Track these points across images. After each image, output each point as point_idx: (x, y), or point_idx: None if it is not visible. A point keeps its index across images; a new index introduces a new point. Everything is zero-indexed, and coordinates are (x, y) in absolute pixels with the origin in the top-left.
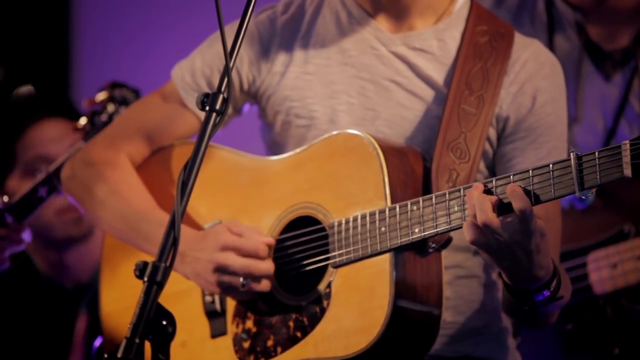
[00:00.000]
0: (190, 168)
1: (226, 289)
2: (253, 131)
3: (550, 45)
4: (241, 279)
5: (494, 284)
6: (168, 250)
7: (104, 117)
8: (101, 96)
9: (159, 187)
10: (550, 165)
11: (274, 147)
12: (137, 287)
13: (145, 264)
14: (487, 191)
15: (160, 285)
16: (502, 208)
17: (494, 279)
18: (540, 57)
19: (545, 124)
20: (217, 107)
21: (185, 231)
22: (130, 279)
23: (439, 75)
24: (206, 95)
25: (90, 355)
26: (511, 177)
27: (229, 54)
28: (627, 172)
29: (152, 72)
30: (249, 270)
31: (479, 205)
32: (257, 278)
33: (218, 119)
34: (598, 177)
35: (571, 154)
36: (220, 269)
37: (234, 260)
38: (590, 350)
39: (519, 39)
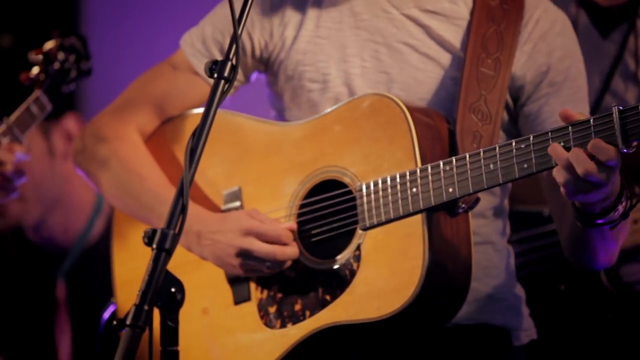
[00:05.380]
0: (199, 135)
1: (249, 272)
2: (260, 100)
3: None
4: (267, 263)
5: (507, 249)
6: (177, 218)
7: (56, 66)
8: (50, 44)
9: (168, 159)
10: (591, 120)
11: (285, 114)
12: (148, 259)
13: (154, 231)
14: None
15: (169, 253)
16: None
17: (507, 245)
18: (551, 15)
19: (566, 77)
20: (226, 74)
21: (201, 211)
22: (141, 250)
23: (452, 36)
24: (214, 62)
25: (100, 324)
26: (549, 133)
27: (237, 21)
28: None
29: (165, 40)
30: (274, 256)
31: (575, 158)
32: (282, 262)
33: (226, 86)
34: None
35: (614, 107)
36: (244, 254)
37: (258, 246)
38: (583, 314)
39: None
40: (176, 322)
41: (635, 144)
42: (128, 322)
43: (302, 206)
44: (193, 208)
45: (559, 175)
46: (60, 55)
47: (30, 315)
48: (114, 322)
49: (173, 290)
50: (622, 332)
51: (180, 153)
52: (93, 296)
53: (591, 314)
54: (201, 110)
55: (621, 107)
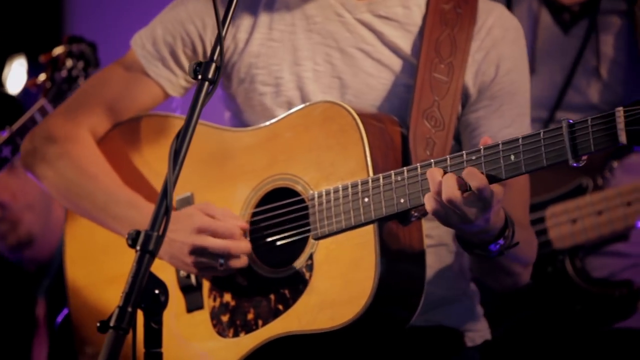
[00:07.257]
0: (183, 137)
1: (203, 269)
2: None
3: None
4: (220, 259)
5: (462, 251)
6: (160, 219)
7: (63, 73)
8: (58, 50)
9: (122, 162)
10: (541, 133)
11: (240, 116)
12: (104, 263)
13: (138, 232)
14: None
15: (152, 254)
16: (465, 185)
17: None
18: (505, 23)
19: (508, 92)
20: (210, 75)
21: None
22: (96, 254)
23: (405, 43)
24: (199, 64)
25: (54, 334)
26: (500, 145)
27: (221, 22)
28: (622, 138)
29: None
30: (228, 250)
31: (445, 182)
32: (235, 257)
33: (210, 87)
34: (591, 144)
35: (563, 121)
36: (197, 251)
37: (212, 242)
38: (551, 306)
39: (483, 4)
40: (160, 323)
41: (585, 158)
42: (112, 324)
43: (254, 214)
44: (149, 208)
45: (428, 202)
46: (69, 63)
47: (7, 335)
48: (98, 325)
49: (157, 291)
50: (590, 324)
51: (133, 157)
52: None
53: (559, 306)
54: (151, 113)
55: (571, 121)
